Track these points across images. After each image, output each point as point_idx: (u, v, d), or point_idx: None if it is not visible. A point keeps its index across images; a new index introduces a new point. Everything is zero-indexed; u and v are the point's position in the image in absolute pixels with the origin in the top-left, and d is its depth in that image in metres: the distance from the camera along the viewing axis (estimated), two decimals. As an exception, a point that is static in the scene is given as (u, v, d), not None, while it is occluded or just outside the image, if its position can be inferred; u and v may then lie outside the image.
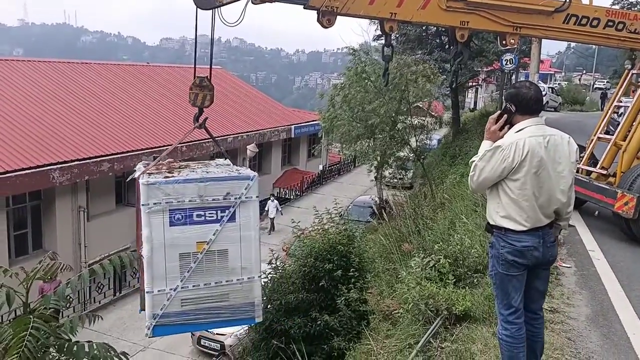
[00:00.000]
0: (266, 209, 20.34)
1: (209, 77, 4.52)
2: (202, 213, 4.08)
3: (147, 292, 4.04)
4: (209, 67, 4.61)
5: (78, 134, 16.20)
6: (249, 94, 28.84)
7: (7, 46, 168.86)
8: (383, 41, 6.05)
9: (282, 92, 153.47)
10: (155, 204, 4.09)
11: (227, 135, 21.27)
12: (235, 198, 4.08)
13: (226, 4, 4.51)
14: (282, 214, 20.83)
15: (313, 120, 26.98)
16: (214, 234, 4.06)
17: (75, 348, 2.58)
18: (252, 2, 4.68)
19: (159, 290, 4.04)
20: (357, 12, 5.01)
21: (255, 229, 4.12)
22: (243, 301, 4.15)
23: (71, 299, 11.38)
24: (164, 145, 16.85)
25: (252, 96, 28.83)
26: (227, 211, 4.08)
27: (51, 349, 2.62)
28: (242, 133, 22.53)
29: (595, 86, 46.17)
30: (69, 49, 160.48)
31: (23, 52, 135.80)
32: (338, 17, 5.02)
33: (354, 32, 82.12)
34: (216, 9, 4.43)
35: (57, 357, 2.63)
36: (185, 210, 4.09)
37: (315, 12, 4.94)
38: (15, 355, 2.29)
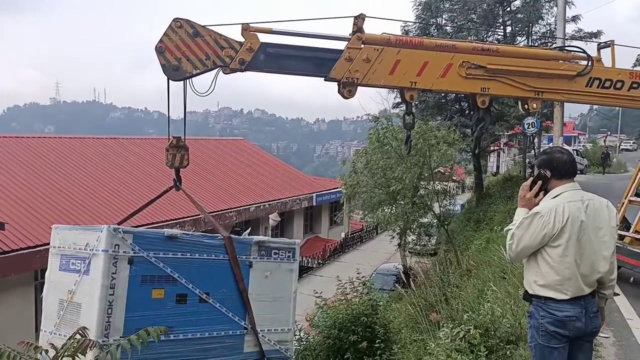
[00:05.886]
0: None
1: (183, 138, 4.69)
2: (75, 262, 4.10)
3: (41, 330, 4.21)
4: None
5: (106, 207, 16.49)
6: (270, 163, 29.28)
7: (40, 124, 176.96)
8: (402, 108, 6.04)
9: (303, 160, 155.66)
10: (53, 247, 4.40)
11: (249, 205, 21.40)
12: (90, 250, 3.94)
13: (196, 75, 4.54)
14: None
15: (334, 188, 27.09)
16: (74, 284, 4.03)
17: None
18: (223, 72, 4.68)
19: (44, 331, 4.18)
20: (377, 82, 5.04)
21: (98, 288, 3.76)
22: None
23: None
24: (188, 216, 17.01)
25: (274, 165, 29.25)
26: (85, 262, 3.98)
27: None
28: (263, 202, 22.61)
29: (621, 147, 45.72)
30: (99, 125, 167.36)
31: (54, 129, 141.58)
32: (359, 87, 5.08)
33: (373, 100, 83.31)
34: (188, 80, 4.58)
35: None
36: (67, 257, 4.19)
37: (336, 83, 5.01)
38: None
